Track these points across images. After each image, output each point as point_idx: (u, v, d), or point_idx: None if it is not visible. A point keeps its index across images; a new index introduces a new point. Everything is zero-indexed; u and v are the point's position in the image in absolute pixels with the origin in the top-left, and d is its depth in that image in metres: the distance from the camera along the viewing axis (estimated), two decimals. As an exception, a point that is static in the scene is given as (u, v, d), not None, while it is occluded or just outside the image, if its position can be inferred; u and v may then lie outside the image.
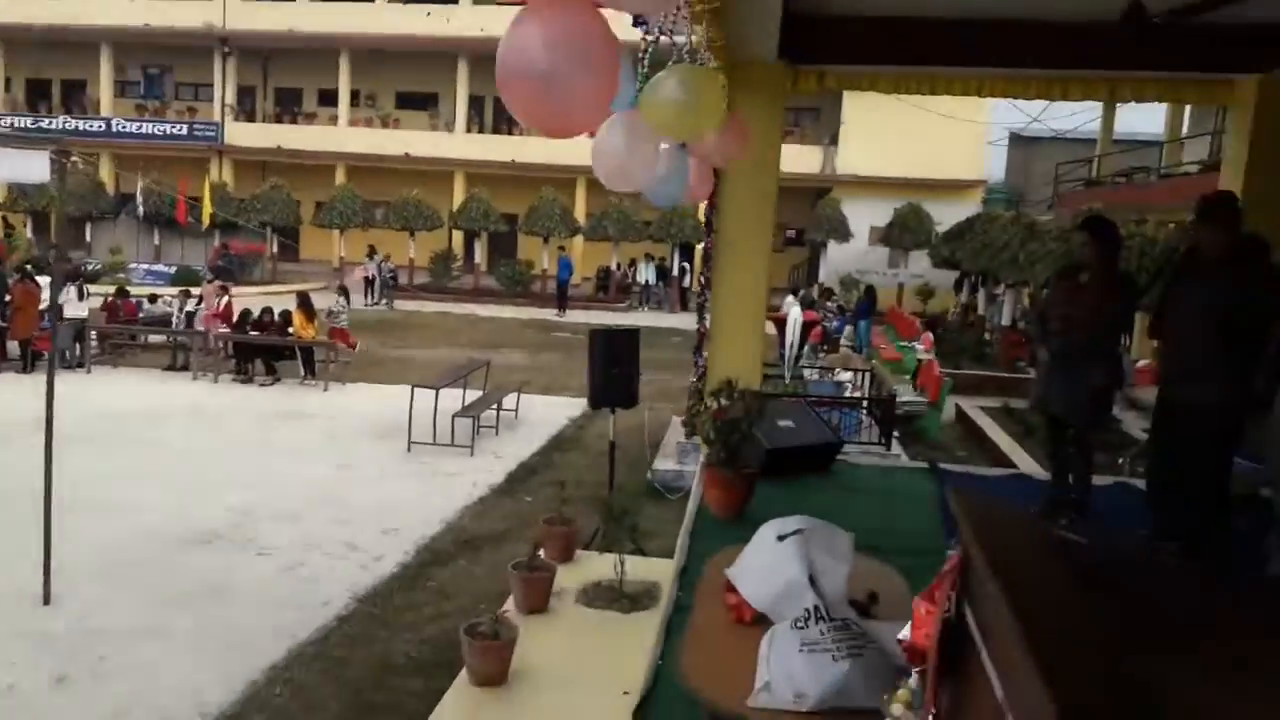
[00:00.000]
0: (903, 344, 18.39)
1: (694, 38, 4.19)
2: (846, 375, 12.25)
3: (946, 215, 25.23)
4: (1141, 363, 12.12)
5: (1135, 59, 5.51)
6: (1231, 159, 5.90)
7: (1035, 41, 5.64)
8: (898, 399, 10.83)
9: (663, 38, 3.46)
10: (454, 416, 10.22)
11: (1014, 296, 17.18)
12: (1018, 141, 32.30)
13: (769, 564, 2.30)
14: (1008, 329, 17.22)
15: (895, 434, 10.25)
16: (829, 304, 21.50)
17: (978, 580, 0.71)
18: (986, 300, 20.60)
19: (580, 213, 29.46)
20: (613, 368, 6.24)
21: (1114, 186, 20.58)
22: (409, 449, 10.04)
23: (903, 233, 26.73)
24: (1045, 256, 14.59)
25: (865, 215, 28.06)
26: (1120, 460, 9.30)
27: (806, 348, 14.53)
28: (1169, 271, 4.77)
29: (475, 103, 31.87)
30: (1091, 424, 5.04)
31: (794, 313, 14.24)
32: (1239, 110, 5.75)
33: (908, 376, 15.37)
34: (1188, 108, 18.30)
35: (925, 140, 26.55)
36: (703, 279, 7.54)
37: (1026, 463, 9.90)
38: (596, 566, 4.64)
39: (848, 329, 19.49)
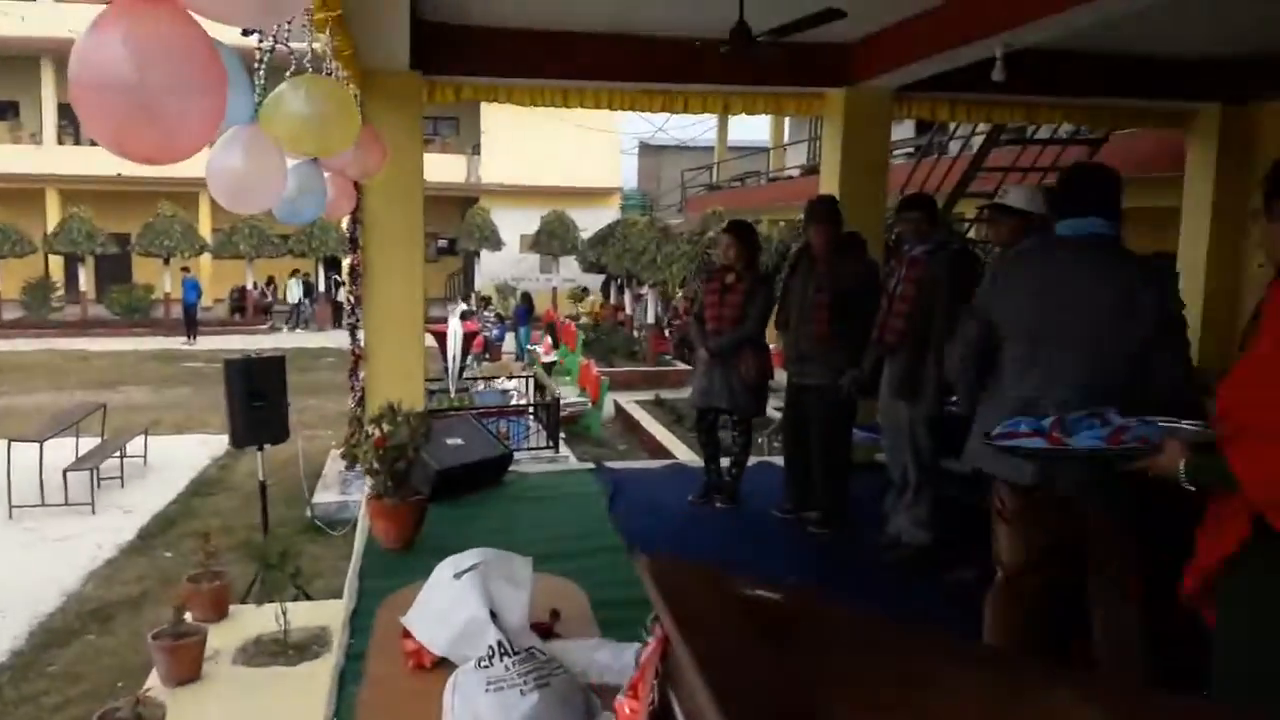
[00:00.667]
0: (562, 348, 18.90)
1: (317, 46, 3.92)
2: (511, 384, 12.31)
3: (590, 221, 26.30)
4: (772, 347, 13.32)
5: (745, 75, 6.02)
6: (828, 163, 6.64)
7: (657, 58, 5.99)
8: (561, 401, 11.07)
9: (279, 46, 3.18)
10: (65, 471, 8.88)
11: (655, 296, 18.29)
12: (647, 150, 34.49)
13: (447, 605, 2.18)
14: (653, 327, 18.29)
15: (562, 436, 10.48)
16: (487, 312, 21.54)
17: (677, 664, 0.68)
18: (633, 300, 21.75)
19: (205, 229, 27.00)
20: (256, 400, 5.72)
21: (732, 190, 22.63)
22: (10, 515, 8.57)
23: (551, 239, 27.45)
24: (680, 257, 15.67)
25: (514, 223, 28.48)
26: (759, 439, 10.21)
27: (470, 358, 14.43)
28: (786, 267, 5.27)
29: (66, 111, 28.03)
30: (753, 413, 5.44)
31: (453, 324, 14.08)
32: (831, 119, 6.49)
33: (569, 378, 15.81)
34: (787, 118, 20.58)
35: (565, 149, 27.52)
36: (352, 297, 7.16)
37: (681, 450, 10.56)
38: (255, 620, 4.22)
39: (508, 336, 19.67)
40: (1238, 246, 6.81)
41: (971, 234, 9.57)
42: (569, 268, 27.94)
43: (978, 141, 9.21)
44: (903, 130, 14.76)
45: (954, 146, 11.14)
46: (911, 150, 13.69)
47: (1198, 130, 6.97)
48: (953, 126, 10.68)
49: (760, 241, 5.56)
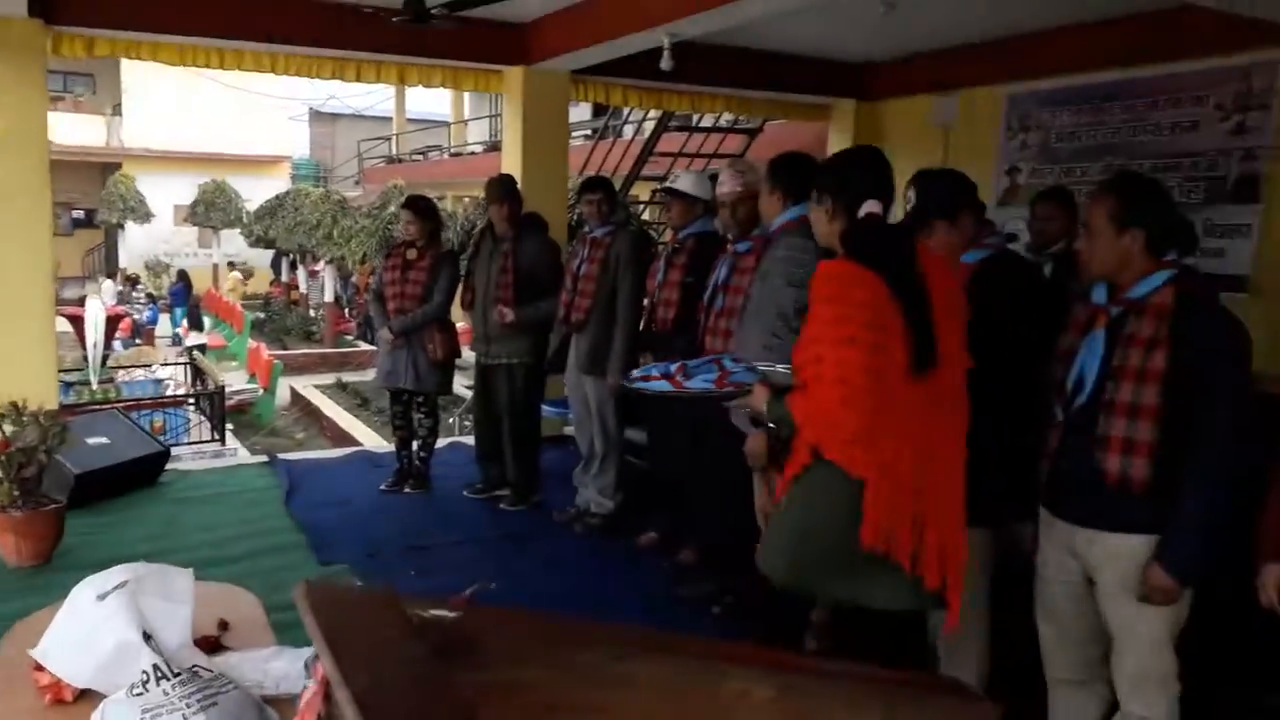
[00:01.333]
0: (225, 330, 17.44)
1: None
2: (167, 371, 11.15)
3: (256, 192, 24.36)
4: (462, 325, 13.17)
5: (421, 47, 5.83)
6: (509, 142, 6.63)
7: (327, 22, 5.63)
8: (228, 389, 10.21)
9: None
10: None
11: (334, 273, 17.39)
12: (319, 118, 32.53)
13: (89, 630, 1.92)
14: (332, 305, 17.40)
15: (230, 427, 9.69)
16: (136, 292, 19.36)
17: (338, 705, 0.63)
18: (308, 277, 20.53)
19: None
20: None
21: (414, 163, 22.00)
22: None
23: (210, 211, 25.10)
24: (359, 232, 14.98)
25: (166, 193, 25.66)
26: (451, 419, 10.07)
27: (115, 344, 12.89)
28: (471, 246, 5.21)
29: None
30: (441, 391, 5.32)
31: (93, 306, 12.47)
32: (510, 98, 6.48)
33: (236, 363, 14.63)
34: (467, 93, 20.31)
35: (225, 114, 25.16)
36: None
37: (368, 435, 10.16)
38: None
39: (162, 318, 17.81)
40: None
41: (646, 215, 10.02)
42: (232, 242, 25.76)
43: (650, 127, 9.64)
44: (581, 112, 15.13)
45: (628, 130, 11.59)
46: (590, 133, 14.05)
47: (837, 123, 7.76)
48: (626, 111, 11.08)
49: (442, 217, 5.45)
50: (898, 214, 2.61)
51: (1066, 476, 2.30)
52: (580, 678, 0.70)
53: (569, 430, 5.64)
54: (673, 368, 2.86)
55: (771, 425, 2.39)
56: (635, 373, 3.00)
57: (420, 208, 5.14)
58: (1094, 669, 2.43)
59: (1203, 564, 2.16)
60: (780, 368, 2.58)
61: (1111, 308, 2.24)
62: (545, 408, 5.44)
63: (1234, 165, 5.24)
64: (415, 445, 5.42)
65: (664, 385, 2.80)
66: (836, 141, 7.76)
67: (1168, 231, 2.22)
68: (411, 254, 5.08)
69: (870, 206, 2.12)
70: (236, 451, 8.47)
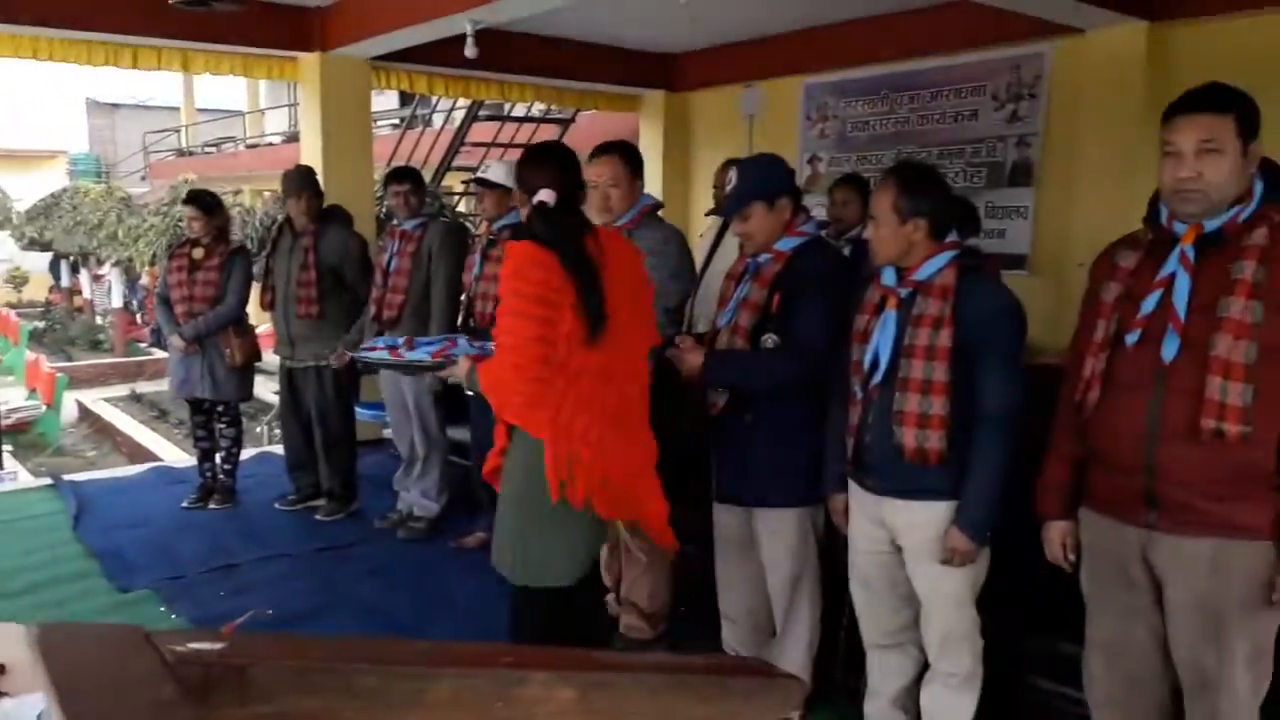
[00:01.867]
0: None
1: None
2: (-75, 391, 10.01)
3: (27, 190, 22.20)
4: (263, 328, 12.52)
5: (208, 32, 5.45)
6: (308, 132, 6.31)
7: (98, 4, 5.15)
8: (3, 408, 9.28)
9: None
10: None
11: (120, 276, 16.10)
12: (98, 108, 30.00)
13: None
14: (121, 311, 16.12)
15: (8, 449, 8.80)
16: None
17: None
18: (91, 281, 18.93)
19: None
20: None
21: (206, 156, 20.67)
22: None
23: (-28, 212, 22.71)
24: (148, 231, 13.93)
25: (-84, 192, 23.02)
26: (259, 428, 9.56)
27: None
28: (270, 242, 4.93)
29: None
30: (243, 398, 5.01)
31: None
32: (307, 86, 6.16)
33: (13, 378, 13.33)
34: (263, 81, 19.22)
35: (-16, 104, 22.83)
36: None
37: (168, 449, 9.49)
38: None
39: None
40: (686, 218, 7.82)
41: (461, 207, 9.83)
42: (3, 246, 23.40)
43: (461, 116, 9.44)
44: (389, 100, 14.65)
45: (438, 120, 11.31)
46: (398, 122, 13.63)
47: (647, 113, 7.85)
48: (435, 99, 10.81)
49: (228, 210, 5.13)
50: (712, 200, 2.68)
51: (870, 450, 2.42)
52: (364, 702, 0.66)
53: (387, 433, 5.45)
54: (400, 340, 3.06)
55: (471, 394, 2.55)
56: (364, 344, 3.18)
57: (203, 202, 4.81)
58: (906, 632, 2.57)
59: (992, 524, 2.33)
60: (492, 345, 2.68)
61: (900, 289, 2.37)
62: (359, 410, 5.24)
63: (1010, 151, 5.67)
64: (219, 457, 5.10)
65: (384, 355, 2.99)
66: (648, 132, 7.86)
67: (947, 216, 2.37)
68: (198, 253, 4.75)
69: (543, 195, 2.28)
70: (16, 475, 7.69)
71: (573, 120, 9.06)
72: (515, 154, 8.52)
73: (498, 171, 4.07)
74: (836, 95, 6.60)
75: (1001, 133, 5.68)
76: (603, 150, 3.14)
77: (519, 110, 9.25)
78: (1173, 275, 1.96)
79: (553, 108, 8.75)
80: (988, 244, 5.62)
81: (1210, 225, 1.95)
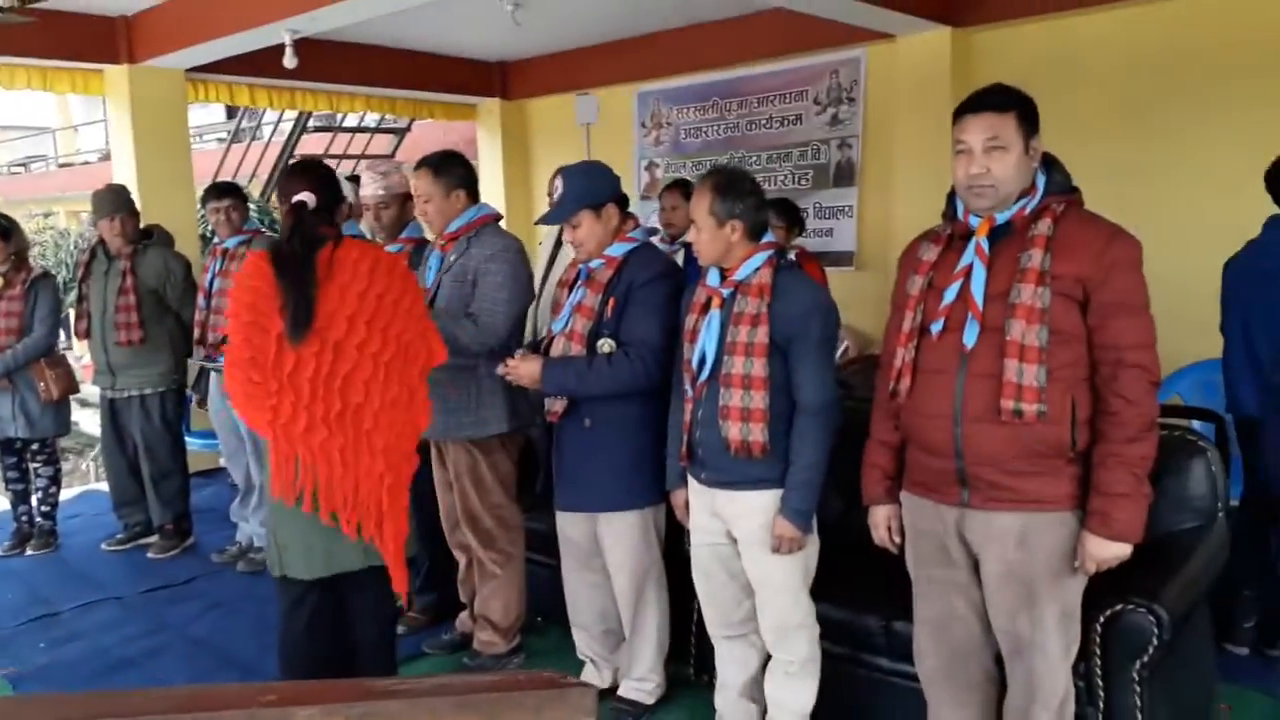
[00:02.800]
0: None
1: None
2: None
3: None
4: (86, 360, 11.73)
5: (2, 44, 5.05)
6: (119, 149, 5.94)
7: None
8: None
9: None
10: None
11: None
12: (-119, 126, 27.33)
13: None
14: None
15: None
16: None
17: None
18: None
19: None
20: None
21: (14, 176, 19.19)
22: None
23: None
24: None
25: None
26: (84, 465, 8.92)
27: None
28: (82, 266, 4.61)
29: None
30: (59, 433, 4.67)
31: None
32: (116, 100, 5.80)
33: None
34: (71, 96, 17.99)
35: None
36: None
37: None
38: None
39: None
40: (528, 226, 7.78)
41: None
42: None
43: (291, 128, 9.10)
44: (214, 114, 14.00)
45: (269, 132, 10.88)
46: (225, 135, 13.03)
47: (484, 122, 7.77)
48: (262, 111, 10.40)
49: (24, 233, 4.78)
50: (542, 206, 2.70)
51: (701, 444, 2.49)
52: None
53: (222, 462, 5.20)
54: None
55: None
56: None
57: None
58: (749, 622, 2.63)
59: (813, 510, 2.43)
60: None
61: (723, 289, 2.46)
62: (190, 439, 4.97)
63: (833, 153, 5.92)
64: (35, 499, 4.74)
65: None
66: (485, 140, 7.79)
67: (762, 217, 2.47)
68: (-4, 280, 4.41)
69: (302, 195, 2.37)
70: None
71: (408, 130, 8.89)
72: (347, 165, 8.33)
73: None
74: (668, 102, 6.72)
75: (824, 136, 5.93)
76: (418, 164, 3.10)
77: (351, 120, 9.01)
78: (970, 266, 2.09)
79: (387, 117, 8.55)
80: (818, 243, 5.87)
81: (1001, 217, 2.08)
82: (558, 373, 2.69)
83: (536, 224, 3.26)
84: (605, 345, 2.68)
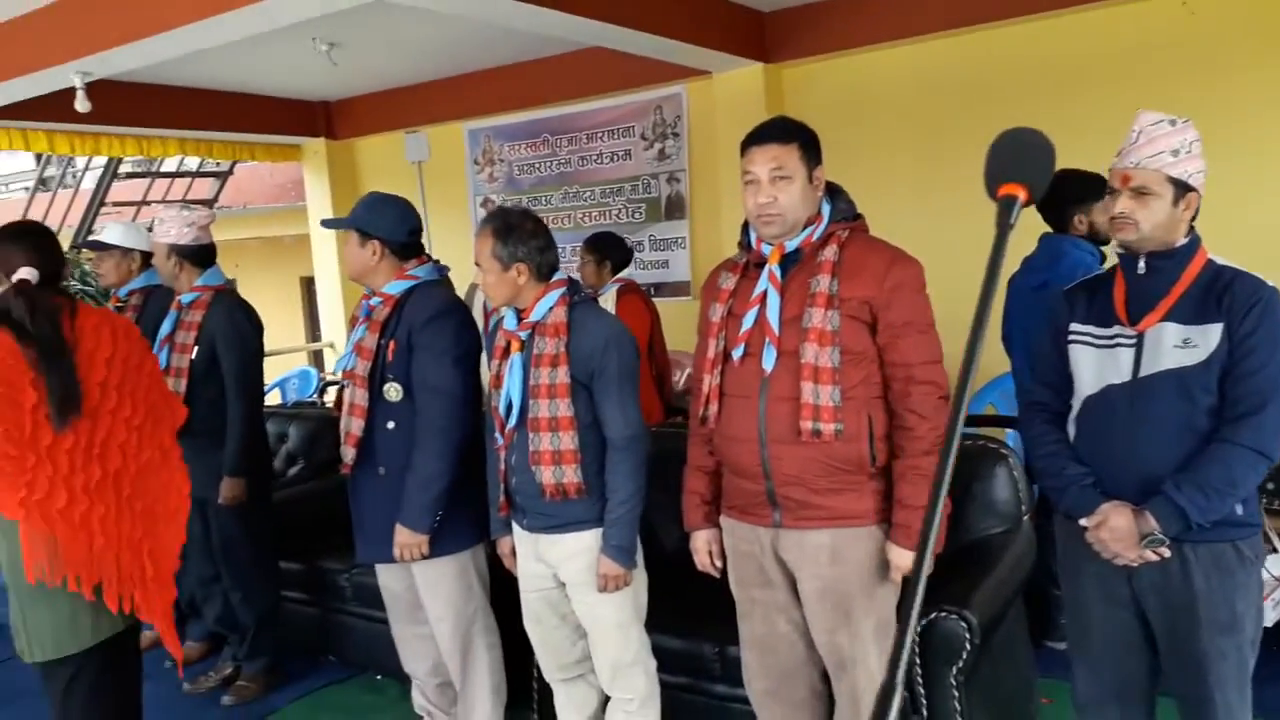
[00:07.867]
0: None
1: None
2: None
3: None
4: None
5: None
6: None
7: None
8: None
9: None
10: None
11: None
12: None
13: None
14: None
15: None
16: None
17: None
18: None
19: None
20: None
21: None
22: None
23: None
24: None
25: None
26: None
27: None
28: None
29: None
30: None
31: None
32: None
33: None
34: None
35: None
36: None
37: None
38: None
39: None
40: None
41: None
42: None
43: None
44: (23, 161, 13.03)
45: (90, 179, 10.22)
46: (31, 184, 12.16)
47: (310, 162, 7.52)
48: (71, 158, 9.77)
49: None
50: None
51: (518, 491, 2.44)
52: None
53: None
54: None
55: None
56: None
57: None
58: (585, 663, 2.58)
59: (634, 545, 2.41)
60: None
61: (520, 332, 2.41)
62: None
63: (663, 187, 6.01)
64: None
65: None
66: (312, 182, 7.55)
67: (548, 256, 2.42)
68: None
69: (23, 273, 2.23)
70: None
71: (230, 173, 8.52)
72: (151, 212, 7.91)
73: (115, 233, 3.68)
74: (500, 139, 6.69)
75: (654, 170, 6.02)
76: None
77: (170, 165, 8.57)
78: (765, 293, 2.14)
79: (206, 160, 8.17)
80: (654, 274, 5.94)
81: (791, 245, 2.14)
82: (415, 509, 2.57)
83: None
84: (391, 390, 2.60)
